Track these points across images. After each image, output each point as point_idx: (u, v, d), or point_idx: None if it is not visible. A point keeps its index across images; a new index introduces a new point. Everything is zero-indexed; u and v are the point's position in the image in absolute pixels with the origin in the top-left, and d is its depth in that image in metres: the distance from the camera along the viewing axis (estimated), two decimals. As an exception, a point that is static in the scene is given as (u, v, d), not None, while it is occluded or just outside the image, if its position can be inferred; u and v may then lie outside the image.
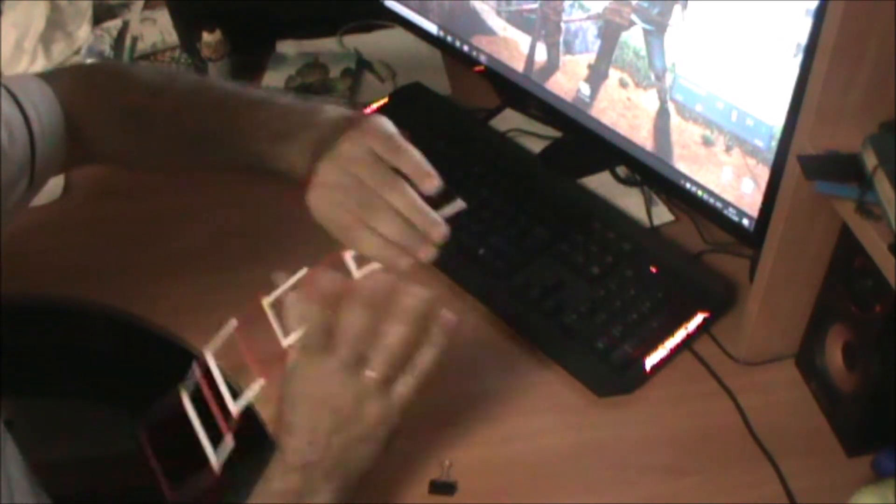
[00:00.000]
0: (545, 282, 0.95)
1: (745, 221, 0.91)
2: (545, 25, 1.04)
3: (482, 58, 1.15)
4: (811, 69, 0.73)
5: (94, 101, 0.86)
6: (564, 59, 1.04)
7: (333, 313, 0.67)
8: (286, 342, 0.68)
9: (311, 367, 0.68)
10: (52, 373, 1.23)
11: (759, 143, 0.86)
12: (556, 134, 1.15)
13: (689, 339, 0.91)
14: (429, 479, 0.80)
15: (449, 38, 1.19)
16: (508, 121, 1.19)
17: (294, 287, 0.70)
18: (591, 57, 1.00)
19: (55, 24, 1.31)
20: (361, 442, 0.69)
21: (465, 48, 1.17)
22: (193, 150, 0.86)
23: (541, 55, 1.06)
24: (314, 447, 0.68)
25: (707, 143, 0.91)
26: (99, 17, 1.38)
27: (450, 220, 0.74)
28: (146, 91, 0.86)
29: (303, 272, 0.69)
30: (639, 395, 0.87)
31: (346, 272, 0.71)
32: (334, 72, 1.28)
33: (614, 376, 0.87)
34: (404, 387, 0.70)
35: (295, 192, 0.74)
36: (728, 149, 0.89)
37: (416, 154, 0.75)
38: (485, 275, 0.97)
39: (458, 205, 0.76)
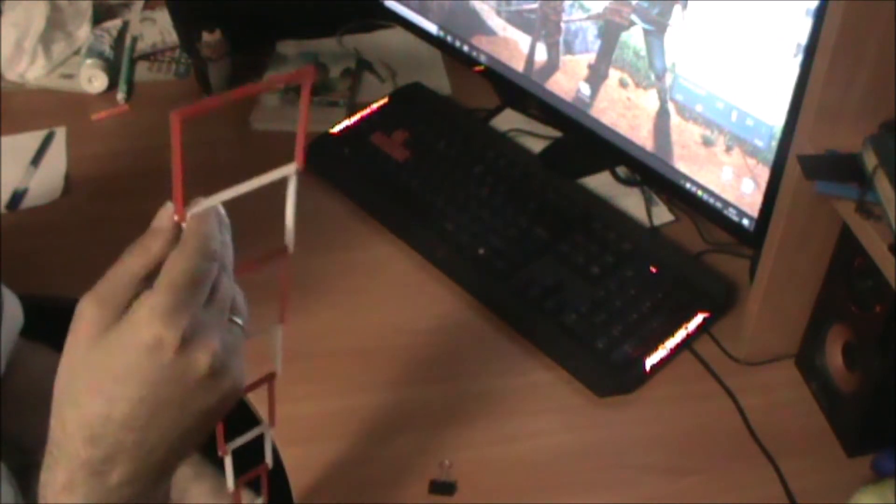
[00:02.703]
0: (545, 282, 0.95)
1: (745, 221, 0.91)
2: (545, 25, 1.04)
3: (482, 58, 1.15)
4: (811, 69, 0.73)
5: None
6: (564, 59, 1.04)
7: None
8: None
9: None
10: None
11: (760, 143, 0.86)
12: (556, 134, 1.15)
13: (689, 339, 0.91)
14: (429, 479, 0.80)
15: (449, 38, 1.19)
16: (508, 121, 1.19)
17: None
18: (591, 57, 1.00)
19: (55, 24, 1.31)
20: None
21: (465, 48, 1.17)
22: None
23: (541, 55, 1.06)
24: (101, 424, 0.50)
25: (707, 143, 0.91)
26: (99, 17, 1.38)
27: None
28: None
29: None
30: (639, 395, 0.87)
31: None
32: (334, 72, 1.28)
33: (614, 376, 0.87)
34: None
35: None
36: (728, 149, 0.89)
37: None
38: (485, 275, 0.97)
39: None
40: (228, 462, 0.59)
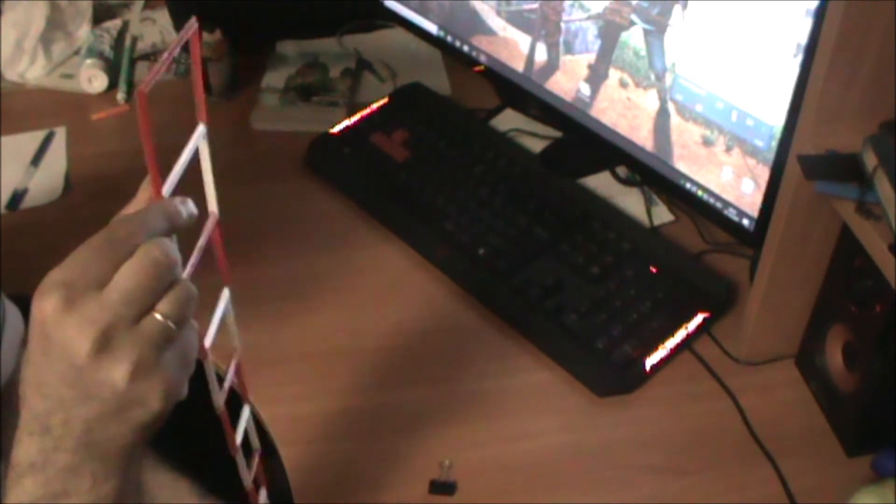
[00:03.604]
0: (545, 282, 0.95)
1: (745, 221, 0.91)
2: (545, 25, 1.04)
3: (482, 58, 1.15)
4: (811, 69, 0.73)
5: None
6: (564, 59, 1.04)
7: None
8: None
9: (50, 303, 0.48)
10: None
11: (760, 143, 0.86)
12: (556, 134, 1.15)
13: (689, 339, 0.91)
14: (429, 479, 0.80)
15: (449, 38, 1.19)
16: (508, 121, 1.19)
17: None
18: (591, 57, 1.00)
19: (55, 24, 1.31)
20: (104, 416, 0.50)
21: (465, 48, 1.17)
22: None
23: (541, 55, 1.06)
24: (46, 409, 0.51)
25: (707, 143, 0.91)
26: (99, 17, 1.38)
27: None
28: None
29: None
30: (639, 395, 0.87)
31: None
32: (334, 72, 1.28)
33: (614, 376, 0.87)
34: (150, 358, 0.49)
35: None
36: (728, 149, 0.89)
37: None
38: (485, 275, 0.97)
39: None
40: (241, 460, 0.59)
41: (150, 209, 0.50)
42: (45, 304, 0.47)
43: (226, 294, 0.57)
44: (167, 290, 0.49)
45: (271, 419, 0.85)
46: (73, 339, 0.47)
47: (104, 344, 0.47)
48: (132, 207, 0.51)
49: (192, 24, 0.51)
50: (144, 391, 0.49)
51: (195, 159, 0.51)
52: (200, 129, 0.51)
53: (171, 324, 0.49)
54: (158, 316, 0.49)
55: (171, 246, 0.49)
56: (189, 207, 0.51)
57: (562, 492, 0.80)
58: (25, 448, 0.51)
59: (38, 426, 0.50)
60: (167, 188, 0.49)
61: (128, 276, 0.47)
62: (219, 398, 0.55)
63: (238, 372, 0.60)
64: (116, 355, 0.47)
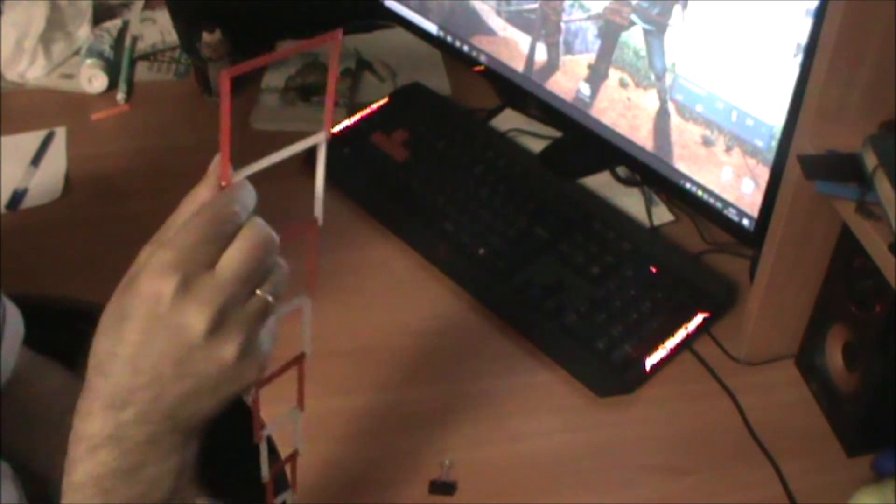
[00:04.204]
0: (545, 282, 0.95)
1: (746, 221, 0.91)
2: (545, 25, 1.04)
3: (482, 58, 1.15)
4: (811, 69, 0.73)
5: None
6: (564, 59, 1.04)
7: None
8: None
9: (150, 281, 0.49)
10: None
11: (760, 143, 0.86)
12: (556, 134, 1.15)
13: (689, 339, 0.91)
14: (429, 479, 0.80)
15: (449, 38, 1.19)
16: (508, 121, 1.19)
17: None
18: (591, 57, 1.00)
19: (55, 24, 1.31)
20: (194, 391, 0.51)
21: (465, 48, 1.17)
22: None
23: (541, 55, 1.06)
24: (138, 385, 0.50)
25: (707, 143, 0.91)
26: (99, 17, 1.38)
27: None
28: None
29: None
30: (639, 395, 0.87)
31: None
32: (334, 72, 1.28)
33: (614, 376, 0.87)
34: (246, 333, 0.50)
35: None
36: (728, 149, 0.89)
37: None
38: (485, 275, 0.97)
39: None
40: (264, 448, 0.60)
41: (241, 189, 0.51)
42: (163, 286, 0.47)
43: (308, 308, 0.59)
44: (270, 269, 0.51)
45: (271, 419, 0.85)
46: (191, 319, 0.48)
47: (219, 323, 0.48)
48: (204, 188, 0.51)
49: (337, 34, 0.54)
50: (246, 367, 0.50)
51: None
52: (322, 137, 0.53)
53: (272, 301, 0.50)
54: (264, 294, 0.50)
55: (268, 230, 0.50)
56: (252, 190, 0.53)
57: (562, 492, 0.80)
58: (102, 421, 0.51)
59: (120, 400, 0.50)
60: (241, 175, 0.51)
61: (238, 257, 0.49)
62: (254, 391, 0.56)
63: (301, 377, 0.62)
64: (229, 334, 0.49)
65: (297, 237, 0.53)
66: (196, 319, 0.48)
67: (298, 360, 0.61)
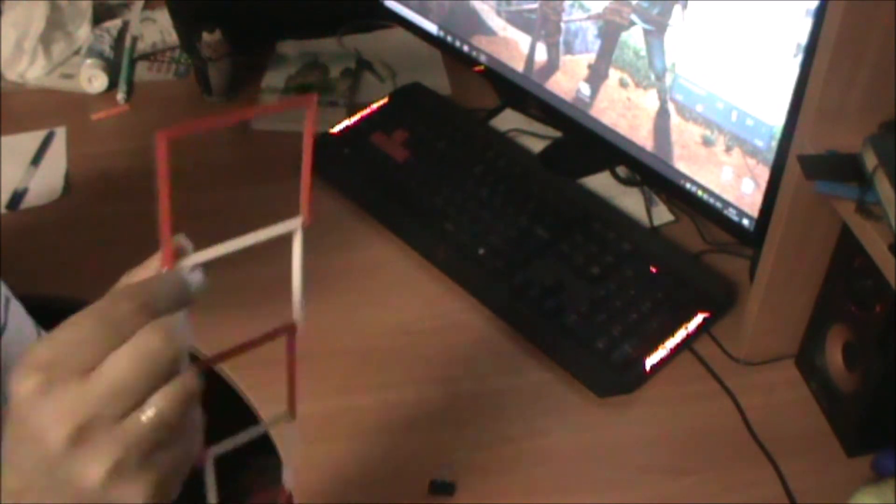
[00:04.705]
0: (545, 282, 0.95)
1: (745, 221, 0.91)
2: (545, 25, 1.04)
3: (482, 58, 1.15)
4: (811, 69, 0.73)
5: None
6: (564, 59, 1.04)
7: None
8: None
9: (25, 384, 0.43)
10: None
11: (759, 143, 0.86)
12: (556, 134, 1.15)
13: (689, 339, 0.91)
14: (429, 479, 0.80)
15: (449, 38, 1.19)
16: (508, 121, 1.19)
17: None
18: (591, 57, 1.00)
19: (55, 24, 1.31)
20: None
21: (465, 48, 1.17)
22: None
23: (541, 55, 1.06)
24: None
25: (707, 143, 0.91)
26: (99, 17, 1.38)
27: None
28: None
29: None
30: (639, 395, 0.87)
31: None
32: (334, 72, 1.28)
33: (614, 376, 0.87)
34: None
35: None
36: (728, 149, 0.89)
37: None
38: (485, 275, 0.97)
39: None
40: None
41: (158, 281, 0.44)
42: (22, 384, 0.42)
43: (293, 427, 0.53)
44: (164, 382, 0.43)
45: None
46: (47, 427, 0.41)
47: (81, 438, 0.41)
48: (139, 274, 0.45)
49: (313, 98, 0.48)
50: (125, 494, 0.42)
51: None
52: (298, 223, 0.45)
53: (162, 423, 0.42)
54: (149, 413, 0.42)
55: (176, 330, 0.43)
56: (198, 278, 0.45)
57: (562, 492, 0.80)
58: None
59: (11, 501, 0.45)
60: (194, 260, 0.44)
61: (117, 366, 0.42)
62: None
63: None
64: (94, 452, 0.42)
65: (274, 339, 0.47)
66: (53, 429, 0.41)
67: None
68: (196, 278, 0.44)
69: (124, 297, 0.43)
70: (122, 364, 0.42)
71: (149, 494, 0.43)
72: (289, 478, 0.54)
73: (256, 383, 0.87)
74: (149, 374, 0.42)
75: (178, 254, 0.44)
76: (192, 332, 0.45)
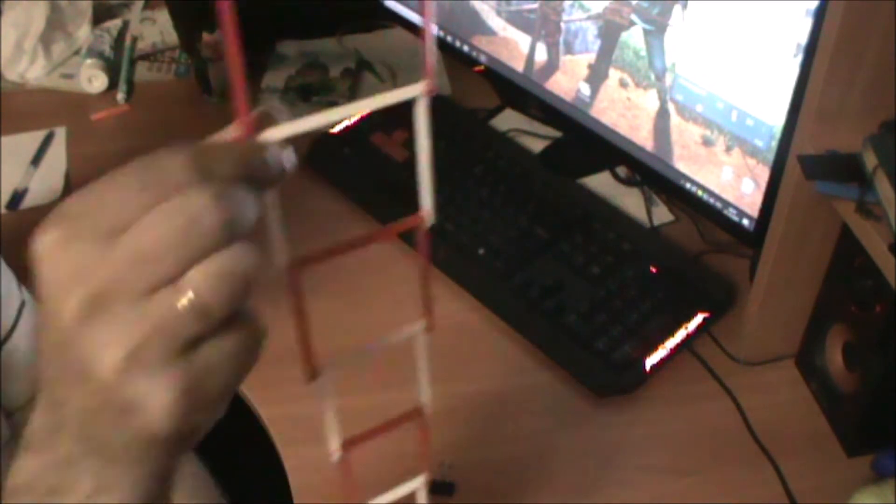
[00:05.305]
0: (545, 282, 0.95)
1: (745, 221, 0.91)
2: (545, 25, 1.04)
3: (482, 58, 1.15)
4: (811, 69, 0.73)
5: None
6: (564, 59, 1.04)
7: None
8: None
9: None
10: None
11: (759, 143, 0.86)
12: (556, 134, 1.15)
13: (689, 339, 0.91)
14: (429, 479, 0.80)
15: (449, 38, 1.19)
16: (508, 121, 1.19)
17: None
18: (591, 57, 1.00)
19: (55, 24, 1.31)
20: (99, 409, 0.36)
21: (465, 48, 1.17)
22: None
23: (541, 55, 1.06)
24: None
25: (707, 143, 0.91)
26: (99, 17, 1.38)
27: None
28: None
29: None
30: (639, 395, 0.87)
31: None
32: (334, 72, 1.28)
33: (614, 376, 0.87)
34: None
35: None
36: (728, 149, 0.89)
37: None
38: (485, 275, 0.97)
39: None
40: None
41: (222, 145, 0.35)
42: (43, 236, 0.35)
43: (423, 342, 0.46)
44: (206, 257, 0.34)
45: (271, 419, 0.85)
46: (58, 290, 0.34)
47: (95, 310, 0.33)
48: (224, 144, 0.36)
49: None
50: (142, 393, 0.34)
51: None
52: (420, 89, 0.39)
53: (198, 307, 0.34)
54: (182, 292, 0.33)
55: (233, 198, 0.34)
56: (283, 154, 0.36)
57: (562, 492, 0.80)
58: (35, 420, 0.40)
59: (46, 398, 0.39)
60: (276, 134, 0.36)
61: (149, 227, 0.33)
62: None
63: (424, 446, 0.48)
64: (110, 331, 0.34)
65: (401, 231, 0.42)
66: (64, 292, 0.34)
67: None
68: (280, 154, 0.36)
69: (176, 152, 0.35)
70: (154, 225, 0.33)
71: (175, 397, 0.35)
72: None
73: (256, 383, 0.87)
74: (187, 242, 0.33)
75: (262, 125, 0.36)
76: (279, 229, 0.36)
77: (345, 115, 0.37)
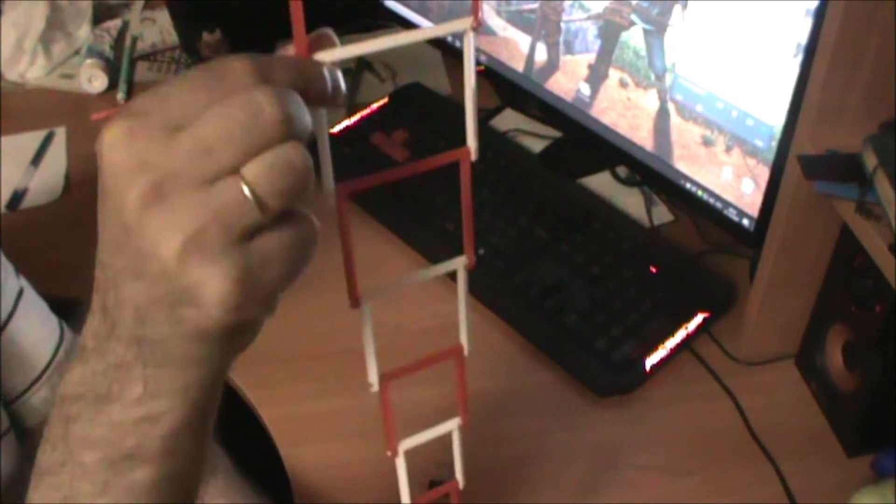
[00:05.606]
0: (545, 282, 0.95)
1: (745, 221, 0.91)
2: (545, 25, 1.04)
3: (482, 58, 1.15)
4: (811, 69, 0.73)
5: None
6: (564, 59, 1.04)
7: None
8: None
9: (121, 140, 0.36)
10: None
11: (759, 143, 0.86)
12: (556, 134, 1.15)
13: (689, 339, 0.91)
14: (429, 479, 0.80)
15: (449, 38, 1.19)
16: (508, 121, 1.19)
17: None
18: (591, 57, 1.00)
19: (55, 24, 1.31)
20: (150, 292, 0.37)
21: (465, 48, 1.17)
22: None
23: (541, 55, 1.06)
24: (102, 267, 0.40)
25: (707, 143, 0.91)
26: (99, 17, 1.38)
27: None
28: None
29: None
30: (639, 395, 0.87)
31: None
32: (334, 72, 1.28)
33: (614, 376, 0.87)
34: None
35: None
36: (728, 149, 0.89)
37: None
38: (485, 275, 0.97)
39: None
40: (401, 464, 0.51)
41: (281, 58, 0.38)
42: (105, 134, 0.36)
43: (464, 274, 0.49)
44: (265, 151, 0.35)
45: (271, 419, 0.85)
46: (121, 180, 0.35)
47: (156, 197, 0.35)
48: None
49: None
50: (199, 280, 0.36)
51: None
52: (468, 24, 0.40)
53: (255, 199, 0.35)
54: (242, 185, 0.35)
55: (291, 98, 0.36)
56: (333, 73, 0.39)
57: (562, 492, 0.80)
58: (87, 329, 0.41)
59: (98, 303, 0.40)
60: (332, 56, 0.39)
61: (209, 121, 0.35)
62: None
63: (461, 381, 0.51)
64: (170, 217, 0.35)
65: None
66: (127, 182, 0.35)
67: (453, 353, 0.49)
68: (336, 72, 0.39)
69: (239, 58, 0.37)
70: (217, 118, 0.35)
71: (231, 285, 0.36)
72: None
73: (257, 383, 0.87)
74: (247, 134, 0.35)
75: (318, 47, 0.40)
76: (328, 151, 0.39)
77: (396, 43, 0.39)
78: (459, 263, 0.45)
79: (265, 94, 0.35)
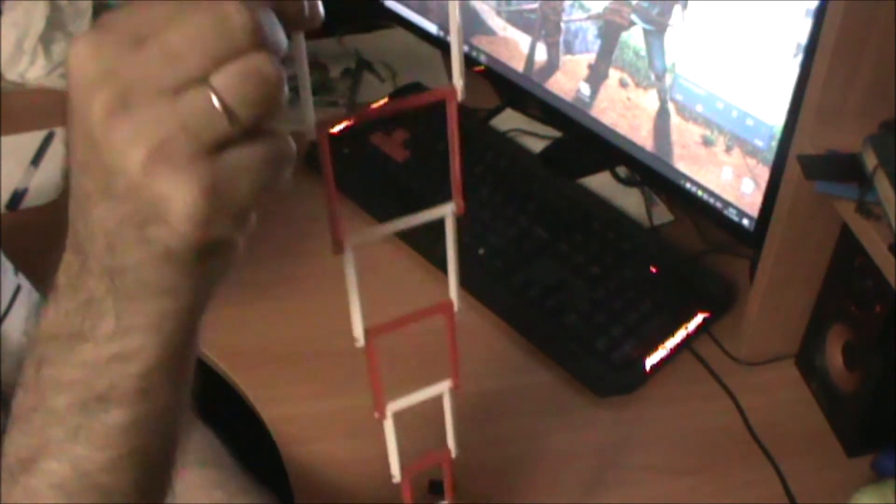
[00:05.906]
0: (545, 282, 0.95)
1: (745, 221, 0.91)
2: (545, 25, 1.04)
3: (482, 58, 1.15)
4: (811, 69, 0.73)
5: None
6: (564, 59, 1.04)
7: None
8: None
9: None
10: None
11: (759, 143, 0.86)
12: (556, 134, 1.15)
13: (689, 339, 0.91)
14: (428, 479, 0.80)
15: (449, 38, 1.19)
16: (508, 121, 1.19)
17: None
18: (591, 57, 1.00)
19: (55, 24, 1.31)
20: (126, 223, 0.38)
21: (465, 48, 1.17)
22: None
23: (541, 55, 1.06)
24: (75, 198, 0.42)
25: (707, 143, 0.91)
26: (99, 17, 1.38)
27: None
28: None
29: None
30: (639, 395, 0.87)
31: None
32: (334, 72, 1.28)
33: (614, 376, 0.87)
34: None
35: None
36: (728, 149, 0.89)
37: None
38: (485, 275, 0.97)
39: None
40: (389, 426, 0.50)
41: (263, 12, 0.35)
42: (77, 43, 0.35)
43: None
44: (234, 60, 0.34)
45: (271, 419, 0.85)
46: (86, 91, 0.35)
47: (120, 107, 0.34)
48: None
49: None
50: (165, 192, 0.34)
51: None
52: (450, 209, 0.43)
53: (223, 108, 0.34)
54: (210, 94, 0.34)
55: (261, 9, 0.35)
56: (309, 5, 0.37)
57: (562, 492, 0.80)
58: (60, 267, 0.42)
59: (71, 238, 0.40)
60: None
61: (177, 27, 0.34)
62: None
63: (451, 338, 0.51)
64: (133, 127, 0.34)
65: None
66: (93, 91, 0.35)
67: (442, 308, 0.49)
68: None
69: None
70: (183, 24, 0.33)
71: (200, 195, 0.34)
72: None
73: (257, 383, 0.87)
74: (215, 39, 0.33)
75: None
76: (308, 83, 0.38)
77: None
78: (448, 210, 0.45)
79: (233, 3, 0.34)
